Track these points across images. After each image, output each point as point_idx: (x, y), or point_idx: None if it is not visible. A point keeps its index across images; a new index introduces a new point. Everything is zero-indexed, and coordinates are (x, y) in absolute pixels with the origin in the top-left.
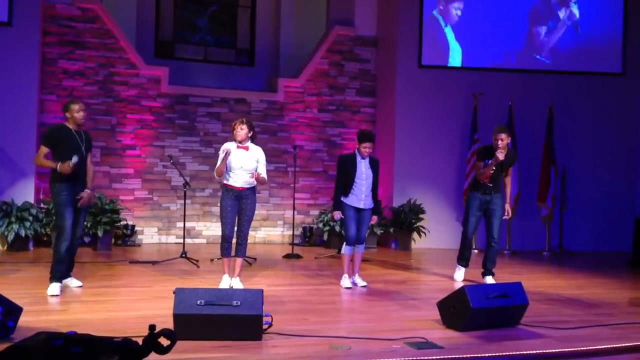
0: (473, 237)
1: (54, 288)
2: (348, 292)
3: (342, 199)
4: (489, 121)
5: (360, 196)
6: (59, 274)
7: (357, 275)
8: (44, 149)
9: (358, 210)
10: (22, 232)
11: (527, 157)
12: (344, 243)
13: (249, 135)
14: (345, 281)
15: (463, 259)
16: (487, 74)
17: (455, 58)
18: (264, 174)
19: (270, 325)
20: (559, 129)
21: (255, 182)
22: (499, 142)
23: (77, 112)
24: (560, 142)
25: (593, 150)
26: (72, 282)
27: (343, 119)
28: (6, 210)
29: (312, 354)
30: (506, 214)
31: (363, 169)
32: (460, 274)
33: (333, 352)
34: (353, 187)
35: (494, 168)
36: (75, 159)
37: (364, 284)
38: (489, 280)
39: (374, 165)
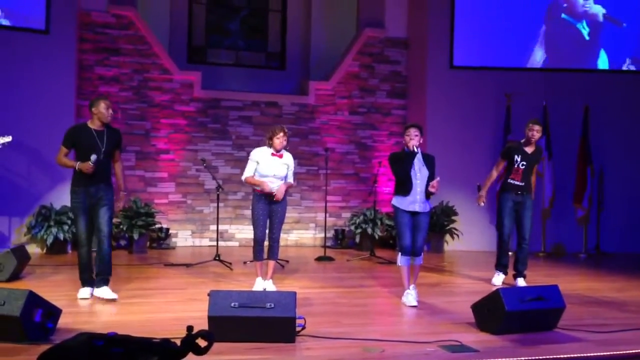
0: (509, 240)
1: (83, 292)
2: (380, 294)
3: (395, 202)
4: (522, 122)
5: (415, 197)
6: (83, 278)
7: (412, 287)
8: (63, 149)
9: (413, 214)
10: (61, 236)
11: (562, 157)
12: (399, 253)
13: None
14: (409, 297)
15: (501, 265)
16: (520, 73)
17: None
18: (290, 179)
19: (304, 327)
20: (594, 129)
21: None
22: (535, 133)
23: (105, 109)
24: (596, 142)
25: (630, 150)
26: (105, 294)
27: (374, 121)
28: (45, 215)
29: (346, 356)
30: None
31: (417, 165)
32: (498, 279)
33: (366, 354)
34: (411, 185)
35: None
36: (93, 157)
37: (415, 303)
38: (521, 282)
39: (429, 161)
